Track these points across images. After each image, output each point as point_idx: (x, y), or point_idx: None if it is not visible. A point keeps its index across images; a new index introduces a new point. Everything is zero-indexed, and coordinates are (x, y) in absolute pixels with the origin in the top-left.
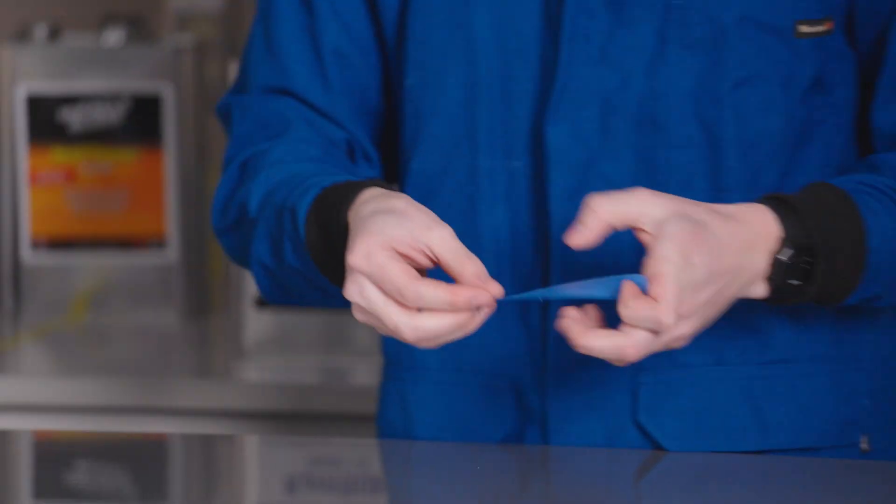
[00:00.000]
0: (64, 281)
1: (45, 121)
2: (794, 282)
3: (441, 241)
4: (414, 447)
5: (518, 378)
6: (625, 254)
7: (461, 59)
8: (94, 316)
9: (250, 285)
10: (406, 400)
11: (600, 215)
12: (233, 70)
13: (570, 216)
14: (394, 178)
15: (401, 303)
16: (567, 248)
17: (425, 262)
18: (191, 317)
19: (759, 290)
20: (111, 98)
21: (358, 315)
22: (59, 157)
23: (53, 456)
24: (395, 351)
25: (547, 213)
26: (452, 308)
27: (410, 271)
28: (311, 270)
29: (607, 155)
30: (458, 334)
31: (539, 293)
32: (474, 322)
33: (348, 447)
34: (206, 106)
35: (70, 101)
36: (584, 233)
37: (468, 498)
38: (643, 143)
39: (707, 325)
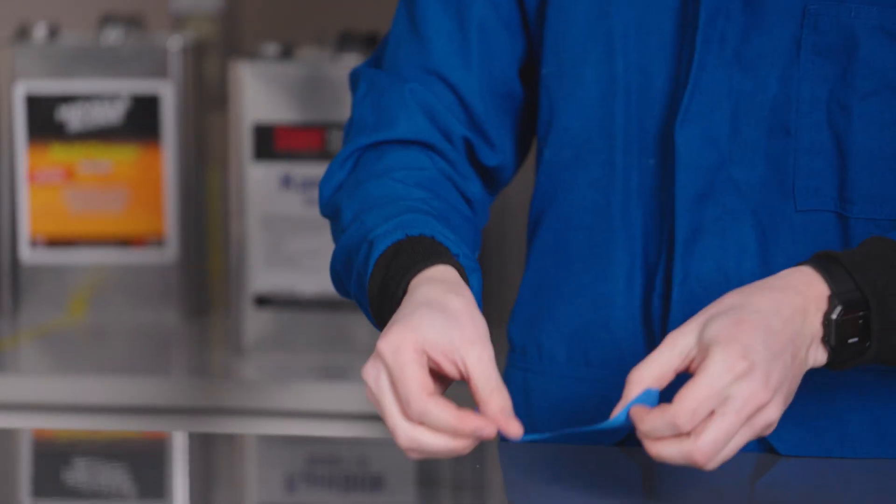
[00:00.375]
0: (63, 280)
1: (43, 119)
2: (853, 340)
3: (478, 361)
4: (531, 448)
5: None
6: (747, 256)
7: (600, 52)
8: (93, 315)
9: (250, 284)
10: (529, 389)
11: (647, 385)
12: (232, 69)
13: (696, 220)
14: (522, 162)
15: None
16: (690, 255)
17: (454, 375)
18: (190, 315)
19: (820, 355)
20: (110, 97)
21: (368, 394)
22: (58, 155)
23: (53, 455)
24: (521, 339)
25: (673, 214)
26: (454, 434)
27: (426, 384)
28: (364, 300)
29: (737, 159)
30: (451, 455)
31: (552, 434)
32: (469, 448)
33: (348, 446)
34: (204, 105)
35: (69, 99)
36: (635, 408)
37: (576, 499)
38: (774, 148)
39: (788, 402)
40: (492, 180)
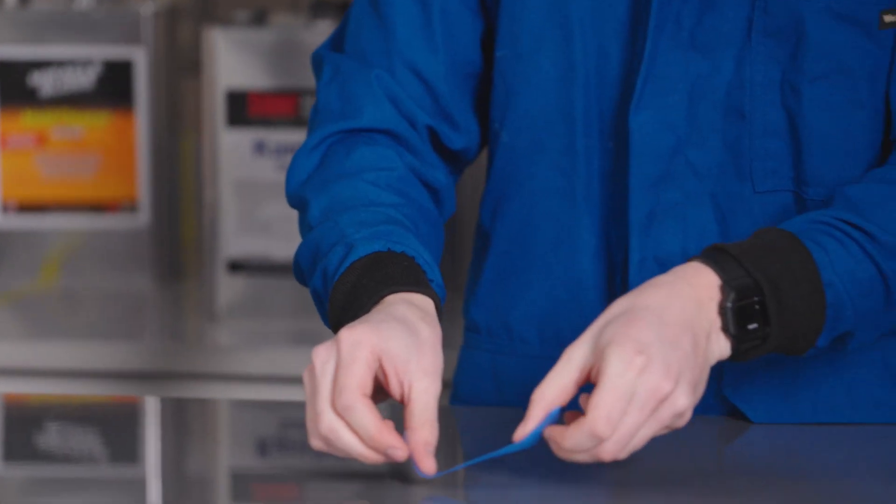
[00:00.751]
0: (35, 245)
1: (15, 85)
2: (752, 326)
3: (423, 392)
4: (490, 413)
5: None
6: (708, 238)
7: (558, 38)
8: (66, 280)
9: (223, 250)
10: (499, 372)
11: (550, 402)
12: (206, 35)
13: (652, 203)
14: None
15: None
16: (646, 238)
17: (395, 394)
18: (163, 281)
19: (722, 344)
20: (82, 62)
21: (306, 373)
22: (30, 121)
23: (24, 419)
24: (486, 322)
25: (627, 199)
26: (368, 442)
27: (365, 385)
28: (325, 298)
29: (694, 142)
30: (357, 459)
31: (462, 465)
32: (377, 461)
33: None
34: (177, 71)
35: (41, 65)
36: (550, 429)
37: (536, 462)
38: (730, 130)
39: (698, 391)
40: (457, 162)
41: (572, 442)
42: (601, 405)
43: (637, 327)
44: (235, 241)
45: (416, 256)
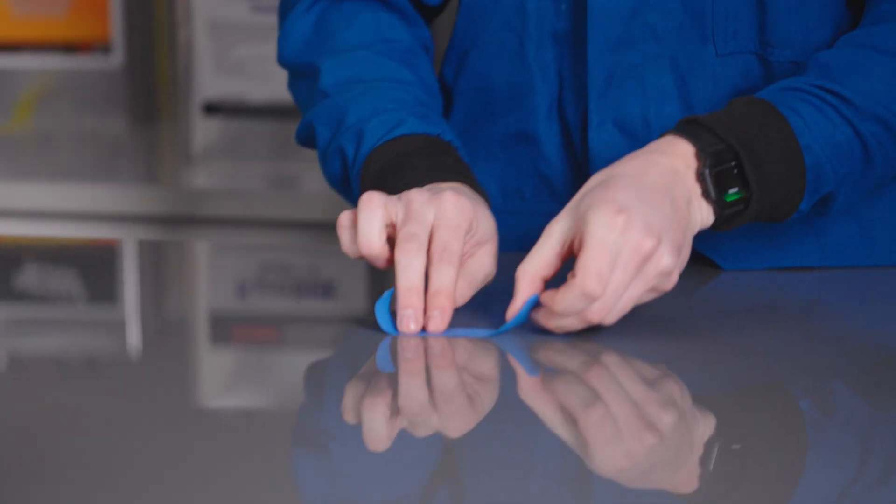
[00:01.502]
0: (7, 85)
1: None
2: (733, 190)
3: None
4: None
5: None
6: (668, 101)
7: None
8: (40, 121)
9: (198, 91)
10: None
11: (534, 276)
12: None
13: (611, 66)
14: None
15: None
16: (604, 101)
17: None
18: (138, 123)
19: (704, 211)
20: None
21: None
22: None
23: (2, 260)
24: None
25: (586, 61)
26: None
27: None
28: (357, 156)
29: (652, 4)
30: (361, 230)
31: (455, 331)
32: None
33: (298, 252)
34: None
35: None
36: (544, 297)
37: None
38: None
39: (684, 254)
40: (431, 15)
41: (564, 304)
42: (590, 264)
43: (615, 189)
44: (210, 82)
45: (458, 148)
